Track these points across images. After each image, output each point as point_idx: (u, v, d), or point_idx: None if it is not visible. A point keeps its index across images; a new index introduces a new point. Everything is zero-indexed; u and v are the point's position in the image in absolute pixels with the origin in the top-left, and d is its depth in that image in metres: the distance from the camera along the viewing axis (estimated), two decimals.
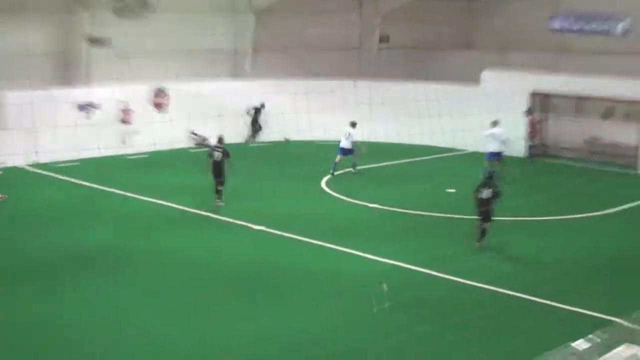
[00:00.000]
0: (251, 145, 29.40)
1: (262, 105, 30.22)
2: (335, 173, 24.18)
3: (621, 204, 21.20)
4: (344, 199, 21.79)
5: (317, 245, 17.13)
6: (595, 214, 20.22)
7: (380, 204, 20.92)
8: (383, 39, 38.05)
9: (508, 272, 15.23)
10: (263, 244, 17.28)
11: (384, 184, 23.44)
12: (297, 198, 21.53)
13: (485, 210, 16.87)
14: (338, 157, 24.45)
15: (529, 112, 28.32)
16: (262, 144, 29.35)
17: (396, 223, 18.94)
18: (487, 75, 29.61)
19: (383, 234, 17.80)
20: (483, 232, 16.97)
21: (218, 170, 19.80)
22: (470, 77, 31.47)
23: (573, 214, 19.92)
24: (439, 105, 26.77)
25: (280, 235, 17.73)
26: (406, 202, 20.68)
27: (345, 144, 24.58)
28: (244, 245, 17.12)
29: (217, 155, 19.88)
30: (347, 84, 30.88)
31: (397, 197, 21.62)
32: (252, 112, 30.26)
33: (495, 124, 24.49)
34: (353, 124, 24.61)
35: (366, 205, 20.96)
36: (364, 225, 18.80)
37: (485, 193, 16.94)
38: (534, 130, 29.17)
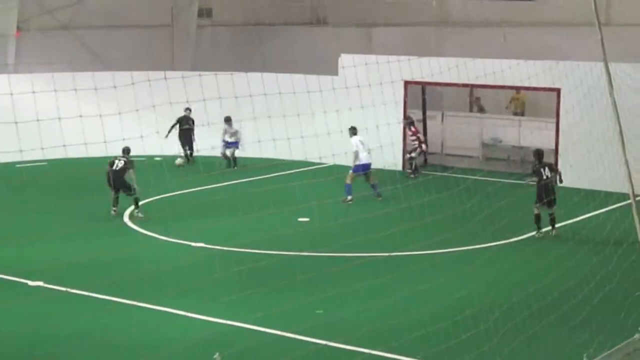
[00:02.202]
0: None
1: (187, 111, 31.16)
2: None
3: (530, 230, 22.06)
4: (158, 237, 21.66)
5: (118, 303, 16.98)
6: (496, 243, 20.96)
7: (208, 243, 20.90)
8: (204, 13, 38.26)
9: (386, 327, 15.52)
10: (41, 307, 16.92)
11: (211, 215, 23.43)
12: (91, 239, 21.24)
13: (552, 192, 21.44)
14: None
15: (410, 122, 29.45)
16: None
17: (230, 268, 18.95)
18: (346, 59, 30.20)
19: (213, 284, 17.75)
20: (554, 220, 21.88)
21: (117, 181, 23.93)
22: (324, 63, 32.06)
23: (464, 245, 20.54)
24: (282, 102, 27.09)
25: (67, 293, 17.45)
26: (243, 238, 20.74)
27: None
28: (9, 311, 16.66)
29: (117, 164, 24.31)
30: (156, 76, 30.67)
31: (230, 231, 21.66)
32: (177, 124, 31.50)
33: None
34: (228, 119, 30.72)
35: (188, 245, 20.91)
36: (185, 272, 18.70)
37: (547, 171, 21.76)
38: (419, 139, 30.15)
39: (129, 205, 24.57)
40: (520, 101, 34.80)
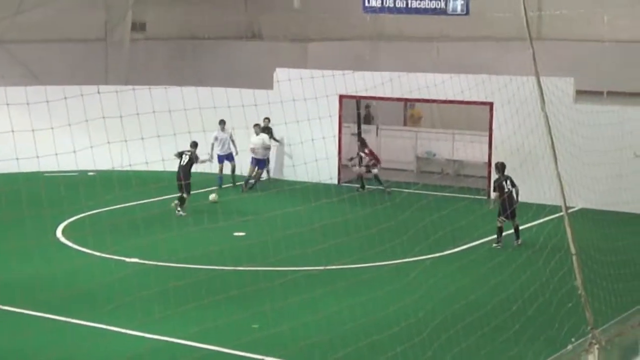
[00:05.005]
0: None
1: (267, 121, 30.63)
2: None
3: (464, 242, 22.21)
4: (91, 252, 21.48)
5: (52, 320, 16.84)
6: (430, 256, 21.08)
7: (142, 258, 20.78)
8: (137, 27, 38.08)
9: (322, 341, 15.52)
10: None
11: (145, 230, 23.26)
12: (23, 255, 20.97)
13: (512, 204, 22.03)
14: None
15: (363, 143, 29.84)
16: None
17: (165, 283, 18.84)
18: (281, 74, 30.23)
19: (148, 300, 17.63)
20: (518, 228, 22.61)
21: (182, 176, 25.47)
22: (259, 78, 32.04)
23: (399, 258, 20.59)
24: (217, 116, 27.13)
25: None
26: (178, 253, 20.64)
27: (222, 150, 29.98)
28: None
29: (184, 158, 25.89)
30: (89, 90, 30.49)
31: (165, 246, 21.51)
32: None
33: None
34: (222, 122, 29.47)
35: (122, 261, 20.78)
36: (120, 288, 18.55)
37: (509, 184, 22.42)
38: (375, 156, 30.31)
39: (63, 220, 24.34)
40: (415, 117, 35.36)
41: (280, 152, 31.37)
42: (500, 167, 23.04)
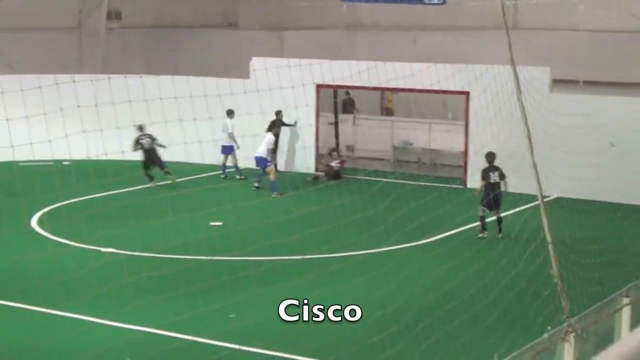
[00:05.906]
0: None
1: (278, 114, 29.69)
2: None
3: (441, 231, 22.30)
4: (66, 242, 21.45)
5: (27, 311, 16.81)
6: (407, 245, 21.14)
7: (117, 248, 20.77)
8: (112, 16, 37.94)
9: (298, 330, 15.56)
10: None
11: (121, 220, 23.24)
12: None
13: (497, 195, 22.13)
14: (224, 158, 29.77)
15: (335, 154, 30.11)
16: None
17: (141, 273, 18.83)
18: (257, 63, 30.20)
19: (124, 290, 17.63)
20: (500, 221, 22.43)
21: (152, 158, 27.60)
22: (235, 67, 32.03)
23: (376, 247, 20.67)
24: (193, 105, 27.03)
25: None
26: (154, 243, 20.64)
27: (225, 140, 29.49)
28: None
29: (146, 142, 27.50)
30: (64, 79, 30.40)
31: (141, 236, 21.53)
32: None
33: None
34: (231, 111, 28.97)
35: (98, 251, 20.74)
36: (95, 278, 18.54)
37: (496, 176, 22.38)
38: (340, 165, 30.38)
39: (38, 210, 24.30)
40: (390, 102, 35.69)
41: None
42: (488, 156, 23.02)
